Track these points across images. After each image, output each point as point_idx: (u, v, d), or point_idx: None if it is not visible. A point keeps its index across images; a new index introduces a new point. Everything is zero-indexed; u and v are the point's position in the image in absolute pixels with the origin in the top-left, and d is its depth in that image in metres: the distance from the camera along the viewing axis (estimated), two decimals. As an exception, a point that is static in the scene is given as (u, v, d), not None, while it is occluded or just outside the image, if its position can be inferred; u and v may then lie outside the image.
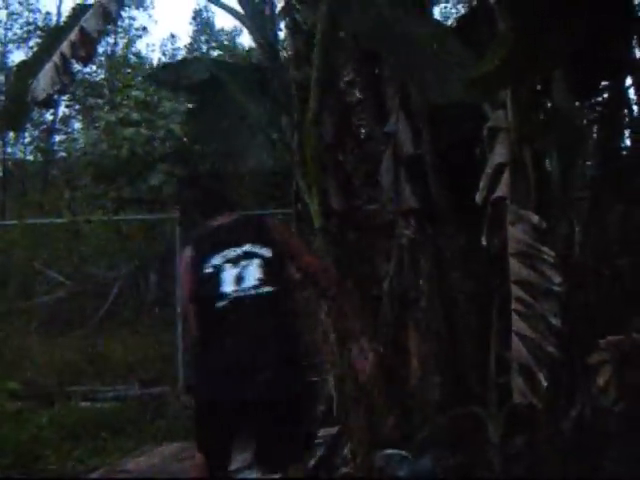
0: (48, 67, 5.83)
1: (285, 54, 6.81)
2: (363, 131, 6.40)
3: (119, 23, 22.52)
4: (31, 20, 26.39)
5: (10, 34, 26.60)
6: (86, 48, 5.94)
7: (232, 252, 3.91)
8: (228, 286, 3.84)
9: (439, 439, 5.20)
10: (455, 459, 5.10)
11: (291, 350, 3.93)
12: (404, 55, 5.18)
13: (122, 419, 7.26)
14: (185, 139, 10.56)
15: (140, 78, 13.46)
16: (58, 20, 25.41)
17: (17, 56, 25.88)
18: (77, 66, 6.08)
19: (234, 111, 5.81)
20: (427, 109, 5.39)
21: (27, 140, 22.75)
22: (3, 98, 24.93)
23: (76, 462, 6.38)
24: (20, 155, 24.05)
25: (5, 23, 26.54)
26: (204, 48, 30.45)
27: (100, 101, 18.05)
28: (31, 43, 26.04)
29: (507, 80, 4.24)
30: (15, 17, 26.69)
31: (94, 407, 7.61)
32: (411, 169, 5.38)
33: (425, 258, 5.35)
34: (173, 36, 44.54)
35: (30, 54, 25.05)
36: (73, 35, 5.89)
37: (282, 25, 6.37)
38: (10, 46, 26.90)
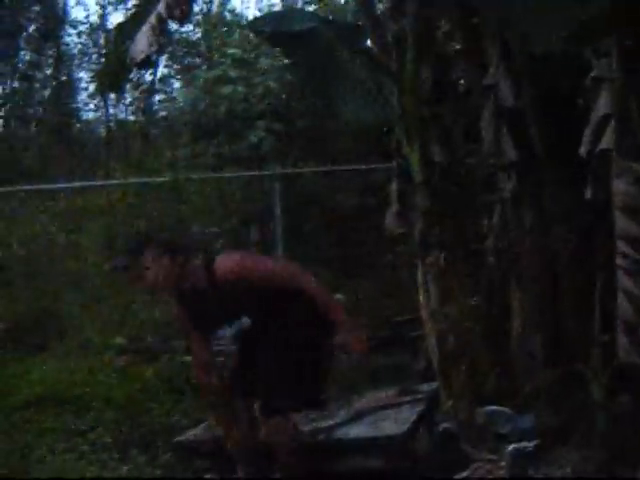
0: (145, 28, 5.86)
1: (382, 7, 6.68)
2: (462, 83, 6.27)
3: (213, -19, 22.62)
4: (129, -19, 26.75)
5: (109, -4, 27.06)
6: (181, 7, 5.95)
7: None
8: None
9: (541, 397, 5.13)
10: (557, 418, 5.03)
11: None
12: (503, 4, 5.05)
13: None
14: (283, 95, 10.55)
15: (237, 35, 13.48)
16: (155, -20, 25.59)
17: (115, 18, 26.30)
18: (174, 26, 6.13)
19: (333, 65, 5.74)
20: (528, 60, 5.24)
21: (128, 101, 23.18)
22: (104, 60, 25.54)
23: (181, 415, 6.51)
24: (121, 116, 24.55)
25: (103, -15, 26.98)
26: (299, 3, 30.33)
27: (198, 60, 18.21)
28: (129, 4, 26.45)
29: (612, 27, 4.08)
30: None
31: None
32: (512, 122, 5.25)
33: (527, 213, 5.23)
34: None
35: (128, 15, 25.50)
36: (169, -7, 5.91)
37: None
38: (109, 8, 27.39)
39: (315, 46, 5.93)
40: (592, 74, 4.46)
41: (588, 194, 4.27)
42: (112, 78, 7.04)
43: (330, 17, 10.95)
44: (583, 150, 4.35)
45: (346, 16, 12.43)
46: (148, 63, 5.93)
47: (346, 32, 6.17)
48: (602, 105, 4.35)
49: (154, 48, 5.67)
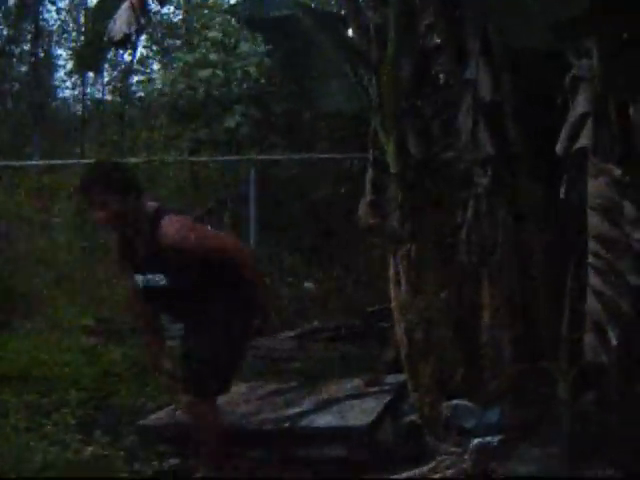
0: (124, 7, 5.80)
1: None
2: (441, 77, 6.25)
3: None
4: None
5: (89, -26, 26.82)
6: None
7: None
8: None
9: (507, 392, 5.15)
10: (523, 414, 5.06)
11: None
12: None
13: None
14: (262, 81, 10.51)
15: (218, 19, 13.40)
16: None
17: (97, -4, 26.06)
18: (154, 6, 6.07)
19: (311, 52, 5.72)
20: (508, 55, 5.23)
21: (106, 80, 23.00)
22: (83, 38, 25.35)
23: (147, 399, 6.48)
24: (98, 95, 24.37)
25: (84, -38, 26.75)
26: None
27: (177, 42, 18.10)
28: (111, -18, 26.16)
29: (594, 27, 4.08)
30: (95, -44, 26.82)
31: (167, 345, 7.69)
32: (490, 116, 5.24)
33: (501, 208, 5.23)
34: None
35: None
36: (152, -26, 5.85)
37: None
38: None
39: (294, 33, 5.91)
40: (572, 73, 4.46)
41: (562, 192, 4.27)
42: (91, 56, 6.97)
43: (312, 5, 10.90)
44: (559, 148, 4.34)
45: (327, 4, 12.40)
46: (127, 42, 5.86)
47: (326, 20, 6.15)
48: (580, 104, 4.35)
49: (134, 27, 5.62)
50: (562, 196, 4.28)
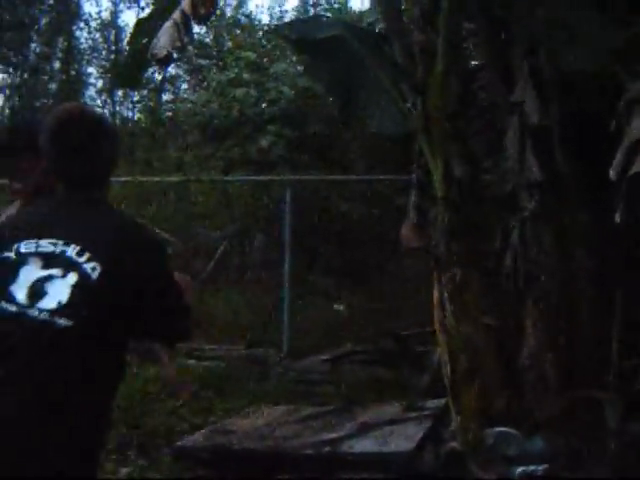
0: (168, 25, 5.79)
1: (405, 17, 6.61)
2: (486, 98, 6.20)
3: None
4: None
5: (122, -6, 27.07)
6: (206, 6, 5.89)
7: (47, 245, 2.61)
8: (20, 291, 2.54)
9: (552, 420, 5.05)
10: (568, 442, 4.95)
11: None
12: (534, 20, 4.98)
13: (225, 379, 7.30)
14: (296, 101, 10.49)
15: (251, 39, 13.46)
16: (169, -20, 25.57)
17: (127, 15, 26.31)
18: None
19: (357, 73, 5.68)
20: (557, 78, 5.16)
21: (135, 99, 23.12)
22: (113, 57, 25.54)
23: (180, 419, 6.42)
24: (128, 113, 24.50)
25: (116, -17, 27.03)
26: (312, 10, 30.29)
27: (209, 62, 18.14)
28: (142, 3, 26.45)
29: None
30: (127, -23, 27.13)
31: (198, 365, 7.66)
32: (537, 140, 5.17)
33: (548, 233, 5.15)
34: (281, -1, 44.54)
35: (140, 14, 25.60)
36: (193, -7, 5.84)
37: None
38: (121, 5, 27.38)
39: (339, 54, 5.88)
40: (627, 96, 4.38)
41: (617, 218, 4.18)
42: (128, 73, 6.97)
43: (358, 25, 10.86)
44: (613, 173, 4.26)
45: (364, 23, 12.37)
46: (169, 60, 5.85)
47: (372, 40, 6.11)
48: (636, 128, 4.27)
49: (177, 45, 5.61)
50: (617, 221, 4.18)
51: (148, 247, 2.70)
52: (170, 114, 17.75)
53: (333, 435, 5.44)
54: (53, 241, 2.57)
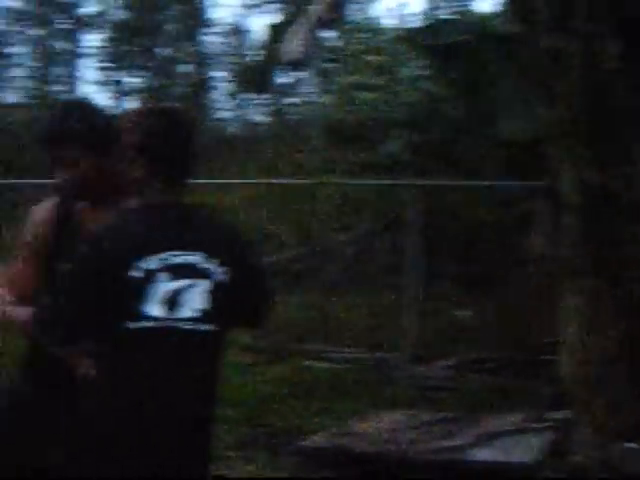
0: (297, 29, 5.89)
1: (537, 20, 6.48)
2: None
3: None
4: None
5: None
6: (334, 11, 5.97)
7: (174, 257, 2.62)
8: (154, 306, 2.58)
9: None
10: None
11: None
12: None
13: (348, 382, 7.33)
14: (423, 105, 10.43)
15: (378, 43, 13.44)
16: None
17: (254, 21, 26.77)
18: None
19: (490, 77, 5.63)
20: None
21: (261, 102, 23.47)
22: (239, 61, 26.03)
23: (301, 420, 6.48)
24: (254, 117, 24.89)
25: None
26: (438, 14, 30.08)
27: (334, 65, 18.25)
28: (268, 8, 26.86)
29: None
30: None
31: (322, 367, 7.73)
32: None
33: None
34: (406, 1, 44.47)
35: (267, 19, 26.04)
36: (323, -1, 5.92)
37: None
38: (248, 10, 27.88)
39: (469, 58, 5.84)
40: None
41: None
42: (258, 77, 7.12)
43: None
44: None
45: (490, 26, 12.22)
46: (300, 64, 5.94)
47: (506, 44, 6.04)
48: None
49: (308, 49, 5.69)
50: None
51: (247, 242, 2.89)
52: (296, 117, 17.96)
53: (454, 443, 5.41)
54: (177, 252, 2.59)
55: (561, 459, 5.24)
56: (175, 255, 2.59)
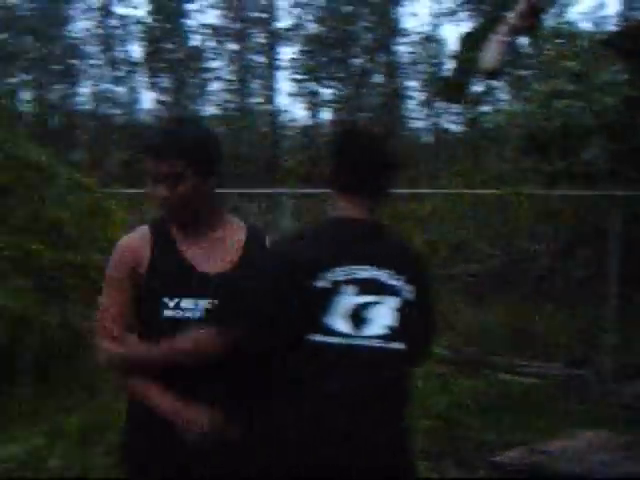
0: (495, 38, 5.80)
1: None
2: None
3: (552, -7, 22.17)
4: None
5: (441, 7, 27.58)
6: (532, 19, 5.83)
7: (361, 272, 2.61)
8: (339, 319, 2.56)
9: None
10: None
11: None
12: None
13: (542, 397, 7.17)
14: (622, 112, 10.04)
15: (573, 48, 13.07)
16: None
17: (447, 29, 26.72)
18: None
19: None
20: None
21: (456, 111, 23.37)
22: (433, 70, 26.05)
23: (494, 435, 6.39)
24: (448, 126, 24.84)
25: (438, -1, 27.62)
26: (634, 16, 28.91)
27: (529, 72, 17.89)
28: (461, 16, 26.76)
29: None
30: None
31: (514, 381, 7.58)
32: None
33: None
34: (602, 4, 43.05)
35: (460, 27, 25.93)
36: (520, 5, 5.81)
37: None
38: (441, 19, 27.89)
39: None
40: None
41: None
42: (453, 87, 7.06)
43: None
44: None
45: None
46: (498, 74, 5.85)
47: None
48: None
49: (504, 58, 5.60)
50: None
51: (424, 261, 2.92)
52: (490, 126, 17.74)
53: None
54: (364, 267, 2.61)
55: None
56: (362, 269, 2.61)
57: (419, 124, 26.62)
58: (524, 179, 10.63)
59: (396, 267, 2.66)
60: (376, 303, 2.60)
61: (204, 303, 2.72)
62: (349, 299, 2.57)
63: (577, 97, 10.74)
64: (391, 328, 2.60)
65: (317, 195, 9.84)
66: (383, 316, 2.60)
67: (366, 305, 2.59)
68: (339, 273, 2.58)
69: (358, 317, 2.57)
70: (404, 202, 10.68)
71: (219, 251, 2.82)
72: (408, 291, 2.66)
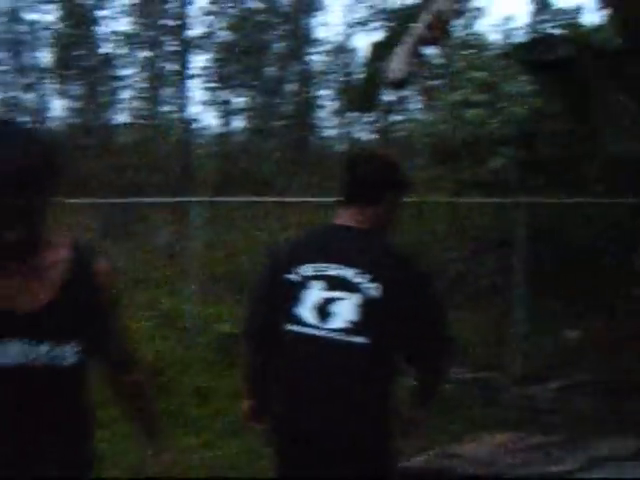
0: (402, 49, 5.87)
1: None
2: None
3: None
4: (373, 4, 27.44)
5: (353, 18, 27.84)
6: (439, 29, 5.92)
7: (330, 269, 2.94)
8: (307, 312, 2.90)
9: None
10: None
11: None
12: None
13: (452, 402, 7.24)
14: (529, 122, 10.27)
15: (483, 59, 13.32)
16: (400, 3, 26.19)
17: (359, 39, 26.96)
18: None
19: (592, 93, 5.51)
20: None
21: (366, 120, 23.58)
22: (345, 79, 26.23)
23: (403, 440, 6.41)
24: (359, 134, 25.04)
25: (350, 7, 27.88)
26: (543, 28, 29.68)
27: (439, 82, 18.18)
28: (373, 26, 27.06)
29: None
30: (358, 1, 27.95)
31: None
32: None
33: None
34: (510, 16, 44.12)
35: (371, 37, 26.26)
36: (427, 16, 5.88)
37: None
38: (353, 29, 28.12)
39: (574, 74, 5.73)
40: None
41: None
42: (363, 97, 7.11)
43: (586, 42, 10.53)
44: None
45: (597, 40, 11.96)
46: (403, 84, 5.92)
47: (607, 59, 5.91)
48: None
49: (410, 69, 5.67)
50: None
51: (422, 278, 3.03)
52: (400, 135, 17.97)
53: (562, 467, 5.28)
54: (333, 265, 2.93)
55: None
56: (332, 267, 2.93)
57: (331, 133, 26.79)
58: (435, 188, 10.77)
59: (363, 266, 2.89)
60: (341, 299, 2.87)
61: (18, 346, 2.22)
62: (317, 293, 2.89)
63: (486, 107, 10.94)
64: (353, 322, 2.84)
65: (229, 203, 9.82)
66: (346, 311, 2.85)
67: (332, 300, 2.88)
68: (309, 269, 2.93)
69: (324, 310, 2.87)
70: (317, 210, 10.73)
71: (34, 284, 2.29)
72: (372, 288, 2.86)
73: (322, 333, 2.85)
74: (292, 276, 2.94)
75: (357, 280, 2.87)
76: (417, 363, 3.12)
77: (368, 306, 2.85)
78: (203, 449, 6.18)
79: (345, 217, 3.07)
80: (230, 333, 8.04)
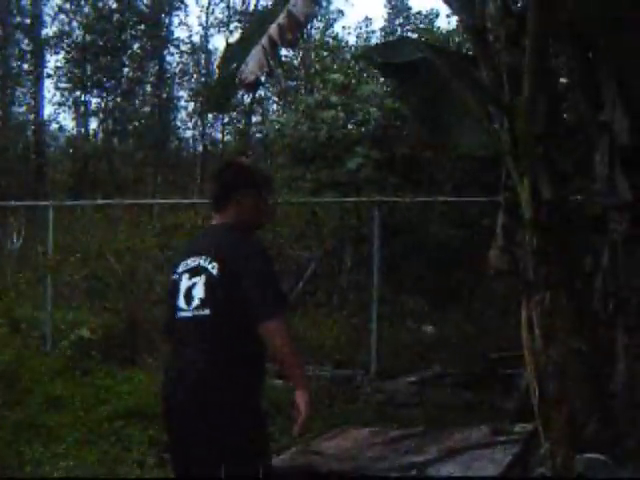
0: (256, 50, 5.86)
1: (492, 37, 6.55)
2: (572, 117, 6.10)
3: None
4: (231, 5, 27.37)
5: (211, 18, 27.68)
6: (293, 31, 5.95)
7: (192, 262, 3.59)
8: (181, 301, 3.57)
9: (645, 448, 4.92)
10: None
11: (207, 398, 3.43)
12: (623, 39, 4.90)
13: (313, 399, 7.29)
14: (383, 123, 10.50)
15: (339, 61, 13.52)
16: (257, 5, 26.25)
17: (217, 40, 26.83)
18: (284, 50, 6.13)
19: (445, 95, 5.66)
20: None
21: (225, 121, 23.53)
22: (204, 80, 26.06)
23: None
24: (217, 135, 24.94)
25: (206, 8, 27.68)
26: (399, 31, 30.40)
27: (296, 83, 18.36)
28: (231, 27, 27.02)
29: None
30: (216, 2, 27.80)
31: (285, 385, 7.68)
32: (627, 160, 5.07)
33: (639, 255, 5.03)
34: (368, 19, 44.95)
35: (230, 38, 26.22)
36: (281, 18, 5.90)
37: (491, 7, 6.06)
38: (211, 30, 27.97)
39: (425, 76, 5.86)
40: None
41: None
42: (218, 98, 7.08)
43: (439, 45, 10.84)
44: None
45: (449, 44, 12.33)
46: (256, 85, 5.93)
47: (459, 62, 6.09)
48: None
49: (265, 70, 5.67)
50: None
51: (249, 252, 3.53)
52: (259, 136, 18.00)
53: (420, 458, 5.39)
54: (194, 258, 3.58)
55: (525, 472, 5.25)
56: (193, 260, 3.59)
57: (189, 134, 26.58)
58: (292, 188, 10.85)
59: (209, 252, 3.52)
60: (196, 283, 3.52)
61: None
62: (185, 283, 3.56)
63: (342, 108, 11.10)
64: (201, 299, 3.48)
65: (81, 207, 9.62)
66: (199, 292, 3.50)
67: (193, 285, 3.54)
68: (182, 266, 3.63)
69: (189, 296, 3.53)
70: (180, 211, 10.66)
71: None
72: (212, 268, 3.47)
73: (188, 314, 3.52)
74: (174, 275, 3.67)
75: (204, 264, 3.51)
76: (259, 327, 3.39)
77: (209, 283, 3.47)
78: (58, 459, 6.03)
79: (216, 218, 3.71)
80: (89, 338, 7.89)
